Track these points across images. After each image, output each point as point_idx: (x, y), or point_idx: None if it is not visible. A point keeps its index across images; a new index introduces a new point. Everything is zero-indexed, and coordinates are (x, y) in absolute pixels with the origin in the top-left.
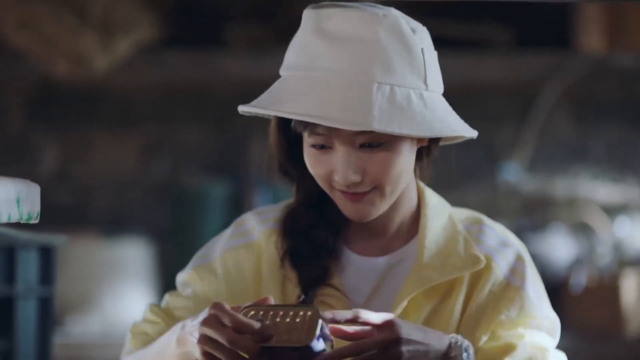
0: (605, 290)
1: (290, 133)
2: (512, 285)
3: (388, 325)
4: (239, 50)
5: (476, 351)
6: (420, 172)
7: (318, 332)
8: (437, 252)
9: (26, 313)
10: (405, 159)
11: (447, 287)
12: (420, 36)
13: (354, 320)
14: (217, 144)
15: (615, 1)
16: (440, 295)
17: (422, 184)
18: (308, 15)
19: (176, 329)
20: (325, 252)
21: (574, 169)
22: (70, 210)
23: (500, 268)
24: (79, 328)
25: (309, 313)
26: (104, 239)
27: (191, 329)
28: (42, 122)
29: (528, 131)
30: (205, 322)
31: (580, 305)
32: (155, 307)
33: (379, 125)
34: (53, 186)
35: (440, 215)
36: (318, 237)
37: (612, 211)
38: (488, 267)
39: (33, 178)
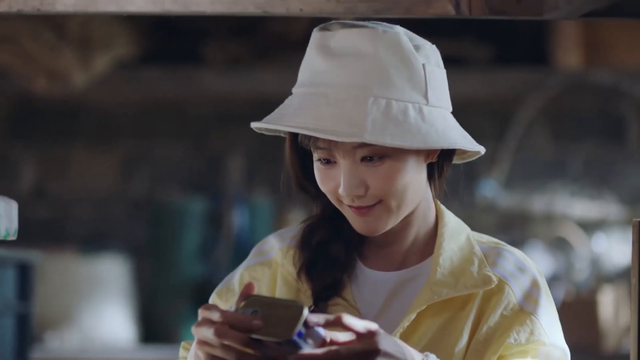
0: (583, 305)
1: (302, 150)
2: (524, 310)
3: (369, 335)
4: (217, 67)
5: None
6: (434, 190)
7: (298, 328)
8: (451, 270)
9: (4, 330)
10: (410, 174)
11: (458, 305)
12: (425, 53)
13: (336, 324)
14: (195, 161)
15: (592, 18)
16: (449, 313)
17: (441, 205)
18: (315, 33)
19: (195, 345)
20: (338, 265)
21: (552, 185)
22: (49, 227)
23: (514, 293)
24: (57, 344)
25: (296, 309)
26: (82, 255)
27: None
28: (20, 138)
29: (506, 147)
30: (197, 325)
31: None
32: (187, 343)
33: (371, 136)
34: (31, 202)
35: (458, 236)
36: (332, 251)
37: (589, 227)
38: (501, 290)
39: (11, 194)
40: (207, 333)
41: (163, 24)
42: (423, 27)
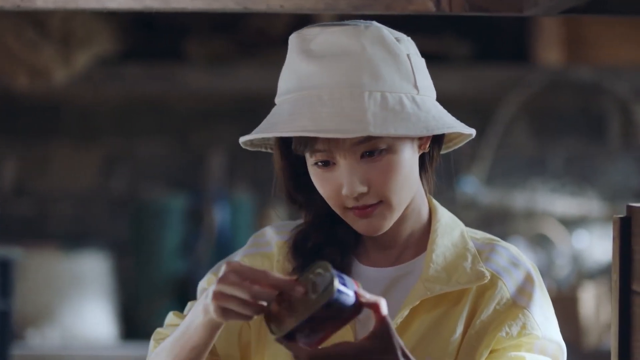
0: (564, 302)
1: (293, 158)
2: (517, 304)
3: (380, 333)
4: (199, 64)
5: None
6: (427, 183)
7: (337, 286)
8: (444, 266)
9: None
10: (408, 164)
11: (452, 301)
12: (405, 44)
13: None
14: (177, 158)
15: (573, 15)
16: (443, 309)
17: (435, 201)
18: (292, 40)
19: (201, 299)
20: (334, 268)
21: (533, 182)
22: (30, 224)
23: (508, 287)
24: (38, 341)
25: (323, 272)
26: (64, 252)
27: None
28: (1, 135)
29: (487, 144)
30: (222, 280)
31: None
32: (177, 312)
33: (375, 129)
34: (12, 199)
35: (452, 232)
36: (327, 255)
37: (570, 224)
38: (495, 285)
39: None
40: (235, 290)
41: (144, 21)
42: (403, 24)
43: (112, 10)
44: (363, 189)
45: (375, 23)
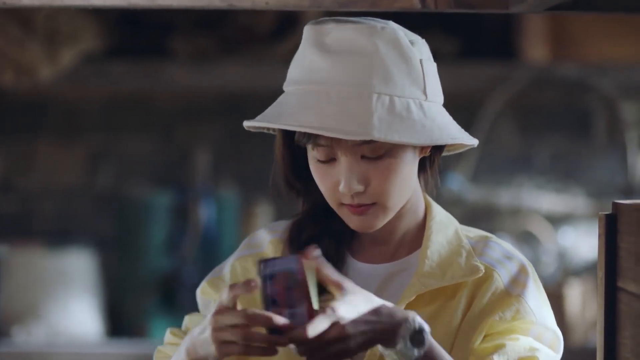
0: (550, 299)
1: (294, 147)
2: (511, 293)
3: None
4: (184, 61)
5: (470, 353)
6: (425, 184)
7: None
8: (439, 262)
9: None
10: (407, 168)
11: (448, 294)
12: (419, 48)
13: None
14: (162, 154)
15: (559, 12)
16: (440, 302)
17: (430, 199)
18: (307, 31)
19: (185, 339)
20: (329, 261)
21: (518, 179)
22: (14, 221)
23: (502, 278)
24: (23, 338)
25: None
26: (49, 249)
27: (198, 337)
28: None
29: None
30: (218, 313)
31: None
32: (175, 329)
33: (379, 134)
34: None
35: (446, 229)
36: (323, 247)
37: (556, 221)
38: (490, 276)
39: None
40: (231, 335)
41: (129, 18)
42: (387, 20)
43: (97, 7)
44: (360, 188)
45: (391, 23)
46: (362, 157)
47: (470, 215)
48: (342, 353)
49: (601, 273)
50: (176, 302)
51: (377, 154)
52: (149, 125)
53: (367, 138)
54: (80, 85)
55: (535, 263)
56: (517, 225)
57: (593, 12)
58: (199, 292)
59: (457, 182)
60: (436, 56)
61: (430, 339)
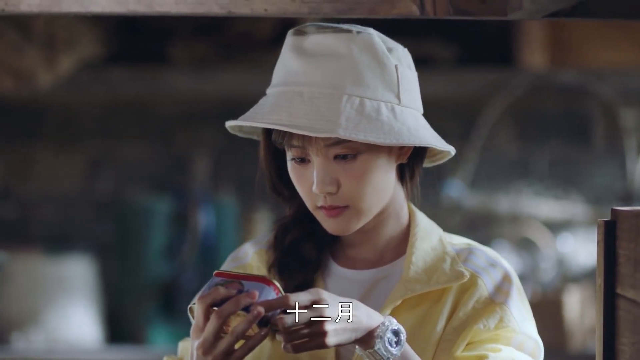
0: (549, 305)
1: (278, 152)
2: (495, 301)
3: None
4: (182, 67)
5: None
6: (408, 192)
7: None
8: (424, 268)
9: None
10: (381, 172)
11: (433, 299)
12: (397, 55)
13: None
14: (161, 160)
15: (557, 18)
16: (425, 306)
17: (414, 207)
18: (289, 36)
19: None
20: (310, 265)
21: (517, 185)
22: (14, 227)
23: (486, 285)
24: (23, 344)
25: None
26: (48, 255)
27: None
28: None
29: (471, 147)
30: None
31: None
32: (172, 356)
33: (344, 132)
34: None
35: (431, 236)
36: (304, 251)
37: (554, 227)
38: (474, 283)
39: None
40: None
41: (129, 24)
42: (387, 27)
43: (96, 14)
44: (332, 189)
45: (370, 30)
46: (335, 158)
47: (469, 221)
48: (320, 344)
49: (600, 279)
50: (175, 308)
51: (349, 153)
52: (148, 132)
53: (332, 135)
54: (79, 91)
55: (534, 269)
56: (516, 232)
57: (591, 18)
58: (189, 313)
59: (456, 189)
60: (435, 62)
61: (405, 343)
